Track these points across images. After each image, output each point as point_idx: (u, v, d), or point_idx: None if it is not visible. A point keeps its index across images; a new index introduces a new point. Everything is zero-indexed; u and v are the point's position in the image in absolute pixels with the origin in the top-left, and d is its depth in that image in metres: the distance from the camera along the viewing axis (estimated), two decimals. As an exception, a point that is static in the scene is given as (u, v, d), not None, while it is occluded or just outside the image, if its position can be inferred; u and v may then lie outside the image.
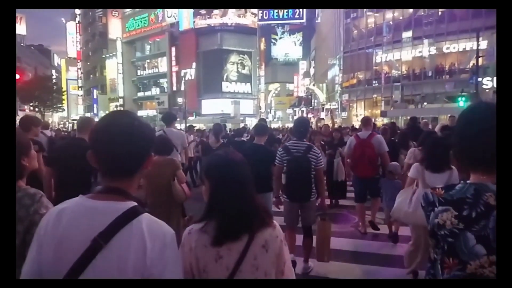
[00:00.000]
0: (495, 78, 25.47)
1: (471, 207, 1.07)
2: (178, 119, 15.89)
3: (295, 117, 43.09)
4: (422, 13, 31.16)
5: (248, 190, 1.39)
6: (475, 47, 22.59)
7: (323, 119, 37.66)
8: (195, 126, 13.65)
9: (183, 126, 28.43)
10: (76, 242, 0.99)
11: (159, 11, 45.55)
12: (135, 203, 1.07)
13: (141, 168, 1.13)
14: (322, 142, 7.07)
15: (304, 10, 46.91)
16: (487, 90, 25.79)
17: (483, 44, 22.23)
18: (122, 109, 48.84)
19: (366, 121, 5.61)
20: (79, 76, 63.05)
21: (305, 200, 3.83)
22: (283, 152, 3.88)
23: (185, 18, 42.98)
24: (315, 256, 3.89)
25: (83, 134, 3.50)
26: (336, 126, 14.94)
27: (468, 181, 1.14)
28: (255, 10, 44.10)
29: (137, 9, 48.72)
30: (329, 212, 6.20)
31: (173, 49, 44.11)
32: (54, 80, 52.87)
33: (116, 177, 1.08)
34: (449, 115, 10.55)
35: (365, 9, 35.83)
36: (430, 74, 30.95)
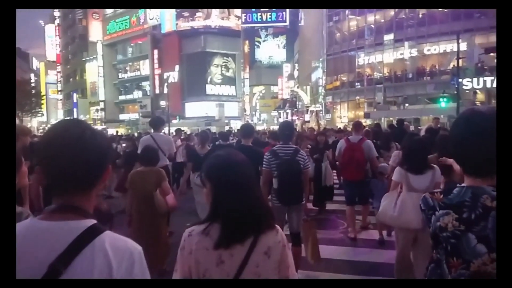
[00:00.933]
0: (475, 79, 26.13)
1: (470, 210, 1.14)
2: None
3: (280, 120, 43.22)
4: (403, 16, 31.70)
5: (252, 191, 1.35)
6: (455, 49, 23.05)
7: (308, 121, 37.84)
8: (183, 130, 12.98)
9: (166, 129, 27.99)
10: (30, 269, 0.88)
11: (141, 13, 44.89)
12: (94, 221, 0.98)
13: (97, 182, 1.02)
14: (309, 147, 6.84)
15: (287, 13, 47.09)
16: (467, 91, 26.39)
17: (463, 46, 22.68)
18: (103, 113, 48.39)
19: (357, 125, 5.72)
20: (58, 80, 61.53)
21: (297, 203, 3.81)
22: (271, 156, 3.81)
23: (168, 20, 42.46)
24: (303, 265, 3.84)
25: None
26: (321, 128, 14.92)
27: (464, 185, 1.20)
28: (238, 13, 44.00)
29: (118, 11, 47.96)
30: (318, 217, 6.09)
31: (156, 51, 43.47)
32: (33, 84, 51.43)
33: (70, 194, 0.98)
34: (433, 116, 10.68)
35: (347, 12, 36.26)
36: (411, 76, 31.47)
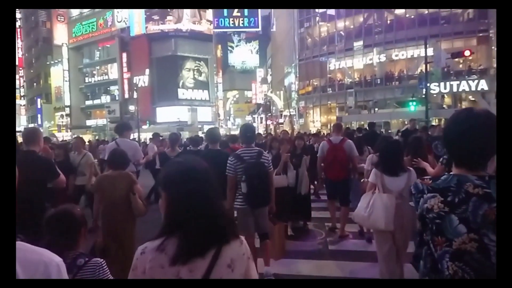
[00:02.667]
0: (442, 84, 26.99)
1: (454, 194, 1.29)
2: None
3: (255, 124, 43.08)
4: (371, 22, 32.46)
5: (214, 199, 1.26)
6: (422, 54, 23.73)
7: (282, 123, 37.81)
8: (162, 136, 11.37)
9: (136, 135, 26.99)
10: None
11: (108, 16, 43.48)
12: None
13: None
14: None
15: (259, 18, 47.19)
16: (435, 95, 27.24)
17: (429, 51, 23.35)
18: (69, 119, 46.33)
19: (337, 126, 6.05)
20: (21, 85, 58.48)
21: (265, 205, 3.84)
22: (236, 161, 3.75)
23: (137, 23, 41.33)
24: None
25: (32, 146, 3.34)
26: (295, 132, 14.69)
27: (451, 173, 1.35)
28: (210, 17, 43.58)
29: (85, 14, 46.36)
30: (294, 226, 5.71)
31: (124, 55, 42.12)
32: (-9, 89, 48.52)
33: None
34: (402, 120, 10.77)
35: (317, 19, 36.76)
36: (379, 82, 32.18)
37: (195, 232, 1.17)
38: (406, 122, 27.43)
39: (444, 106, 28.63)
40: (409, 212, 3.16)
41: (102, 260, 1.80)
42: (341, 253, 4.79)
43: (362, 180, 4.84)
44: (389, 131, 21.22)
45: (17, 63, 58.53)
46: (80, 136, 10.32)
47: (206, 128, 37.21)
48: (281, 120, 39.87)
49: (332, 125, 6.59)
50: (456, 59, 24.69)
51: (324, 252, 4.91)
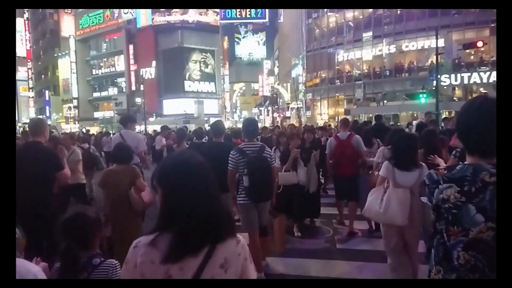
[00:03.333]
0: (452, 75, 26.42)
1: (471, 184, 1.29)
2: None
3: (261, 117, 42.75)
4: (381, 13, 31.78)
5: (210, 195, 1.21)
6: (432, 45, 23.17)
7: (289, 117, 37.49)
8: (171, 129, 11.00)
9: (143, 128, 27.01)
10: None
11: (115, 7, 43.33)
12: None
13: None
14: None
15: (267, 10, 46.61)
16: (445, 87, 26.69)
17: (440, 42, 22.81)
18: (77, 111, 46.55)
19: (344, 122, 5.88)
20: (29, 77, 58.88)
21: (267, 199, 3.85)
22: (238, 155, 3.75)
23: (143, 15, 41.09)
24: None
25: (37, 137, 3.41)
26: (302, 125, 14.41)
27: (466, 163, 1.35)
28: (216, 9, 43.16)
29: (92, 5, 46.25)
30: (302, 224, 5.50)
31: (131, 47, 42.05)
32: (1, 81, 48.87)
33: None
34: (426, 111, 10.13)
35: (326, 9, 36.10)
36: (388, 73, 31.64)
37: (188, 229, 1.14)
38: (415, 115, 27.13)
39: (455, 98, 28.05)
40: (419, 208, 3.13)
41: (116, 262, 1.84)
42: (350, 252, 4.62)
43: (370, 173, 4.76)
44: (398, 123, 20.87)
45: (25, 55, 59.08)
46: (67, 132, 10.18)
47: (212, 120, 37.08)
48: (287, 113, 39.55)
49: (339, 119, 6.43)
50: (468, 50, 24.06)
51: (332, 250, 4.74)
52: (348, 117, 27.65)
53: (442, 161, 3.80)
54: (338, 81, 35.58)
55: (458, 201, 1.29)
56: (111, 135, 15.52)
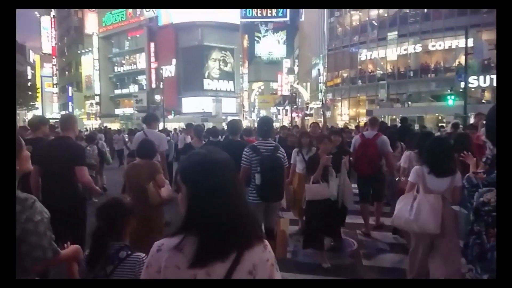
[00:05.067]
0: (481, 77, 25.21)
1: None
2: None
3: (279, 116, 42.18)
4: (407, 11, 30.73)
5: (237, 196, 1.16)
6: (460, 45, 22.14)
7: (311, 115, 36.71)
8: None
9: (161, 125, 27.03)
10: None
11: (137, 5, 43.71)
12: None
13: None
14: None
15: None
16: (473, 89, 25.50)
17: (469, 42, 21.75)
18: (98, 107, 47.32)
19: (373, 121, 5.66)
20: (54, 73, 60.44)
21: (277, 200, 3.81)
22: (251, 152, 3.72)
23: (164, 12, 41.36)
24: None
25: (68, 132, 3.55)
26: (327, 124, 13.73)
27: None
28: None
29: (115, 3, 46.83)
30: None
31: (152, 44, 42.39)
32: (29, 77, 50.41)
33: None
34: (477, 112, 8.46)
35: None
36: (413, 74, 30.60)
37: (215, 233, 1.09)
38: (440, 117, 26.00)
39: (483, 101, 26.79)
40: (452, 216, 3.02)
41: (143, 255, 1.78)
42: (378, 270, 4.18)
43: (397, 179, 4.52)
44: (424, 126, 19.99)
45: (51, 52, 60.63)
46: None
47: (230, 119, 36.81)
48: (307, 112, 38.91)
49: (368, 118, 6.31)
50: (499, 51, 22.87)
51: (357, 267, 4.30)
52: (365, 118, 26.97)
53: (474, 163, 3.38)
54: (360, 81, 34.76)
55: None
56: (124, 133, 15.51)
